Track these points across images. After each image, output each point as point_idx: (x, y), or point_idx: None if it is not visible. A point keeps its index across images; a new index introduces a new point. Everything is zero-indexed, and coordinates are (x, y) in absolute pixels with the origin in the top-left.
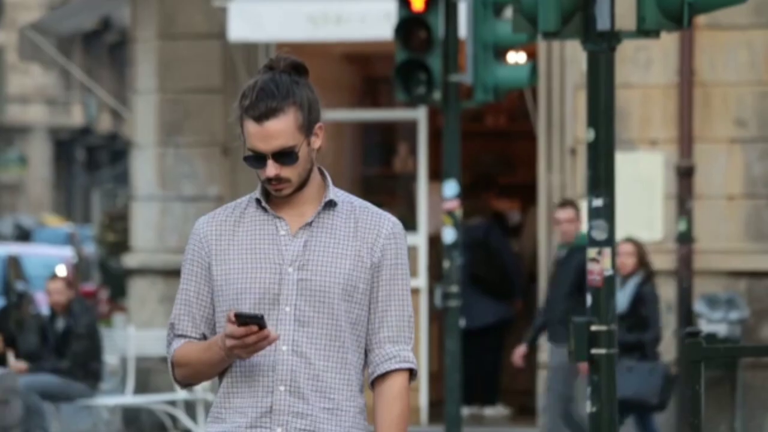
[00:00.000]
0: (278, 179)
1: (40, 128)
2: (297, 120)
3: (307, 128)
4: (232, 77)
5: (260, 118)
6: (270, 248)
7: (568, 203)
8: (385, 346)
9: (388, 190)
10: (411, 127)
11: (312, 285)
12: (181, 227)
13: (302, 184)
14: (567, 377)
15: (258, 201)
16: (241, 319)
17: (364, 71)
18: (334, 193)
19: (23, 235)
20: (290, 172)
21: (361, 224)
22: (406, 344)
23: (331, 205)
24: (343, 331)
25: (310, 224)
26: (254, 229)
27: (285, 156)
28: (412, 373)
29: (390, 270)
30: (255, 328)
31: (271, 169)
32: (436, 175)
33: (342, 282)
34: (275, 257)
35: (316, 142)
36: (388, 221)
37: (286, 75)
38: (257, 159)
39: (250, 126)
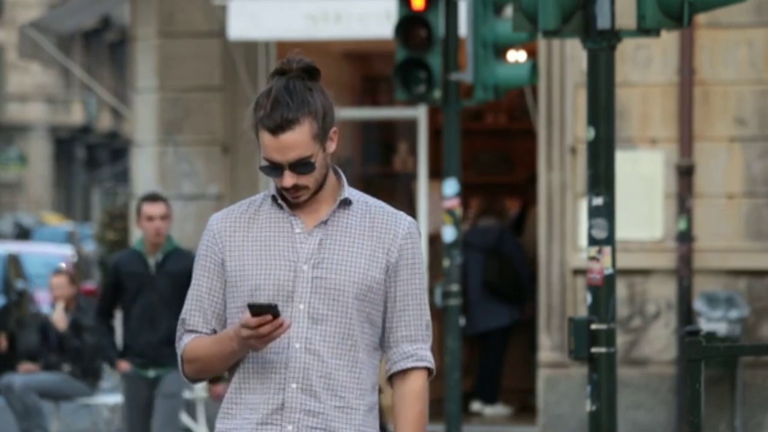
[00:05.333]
0: (296, 188)
1: (40, 127)
2: (312, 130)
3: (322, 136)
4: (232, 76)
5: (276, 130)
6: (285, 245)
7: (158, 197)
8: (402, 344)
9: (387, 188)
10: (411, 125)
11: (326, 283)
12: (180, 226)
13: (319, 188)
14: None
15: (273, 198)
16: (255, 310)
17: (364, 70)
18: (349, 191)
19: (23, 234)
20: (307, 180)
21: (377, 224)
22: (424, 343)
23: (345, 203)
24: (355, 330)
25: (325, 222)
26: (269, 226)
27: (302, 166)
28: (429, 372)
29: (407, 270)
30: (269, 317)
31: (288, 179)
32: (436, 174)
33: (356, 281)
34: (290, 255)
35: (332, 146)
36: (405, 221)
37: (300, 81)
38: (274, 168)
39: (266, 137)
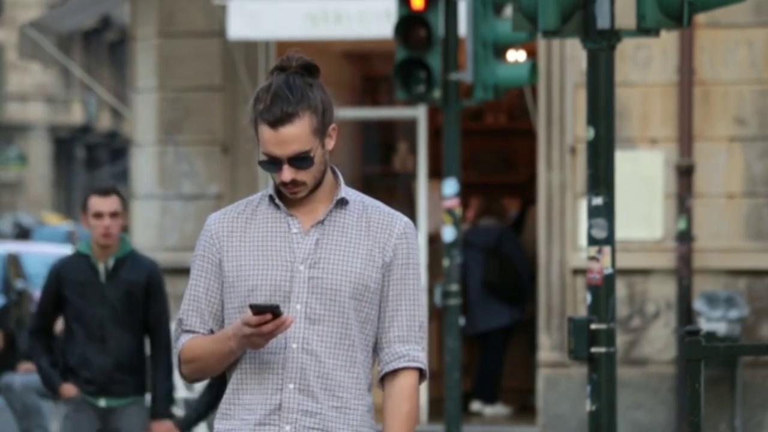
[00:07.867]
0: (294, 183)
1: (40, 126)
2: (312, 124)
3: (321, 131)
4: (232, 75)
5: (275, 124)
6: (282, 245)
7: (110, 191)
8: (394, 345)
9: (387, 188)
10: (411, 125)
11: (323, 283)
12: (180, 226)
13: (317, 185)
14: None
15: (271, 198)
16: (257, 310)
17: (364, 69)
18: (346, 191)
19: (23, 234)
20: (306, 176)
21: (373, 223)
22: (417, 344)
23: (342, 203)
24: (353, 330)
25: (321, 222)
26: (266, 226)
27: (300, 160)
28: (422, 374)
29: (401, 270)
30: (269, 316)
31: (287, 173)
32: (436, 174)
33: (353, 281)
34: (287, 255)
35: (330, 143)
36: (400, 221)
37: (300, 77)
38: (272, 163)
39: (265, 131)
